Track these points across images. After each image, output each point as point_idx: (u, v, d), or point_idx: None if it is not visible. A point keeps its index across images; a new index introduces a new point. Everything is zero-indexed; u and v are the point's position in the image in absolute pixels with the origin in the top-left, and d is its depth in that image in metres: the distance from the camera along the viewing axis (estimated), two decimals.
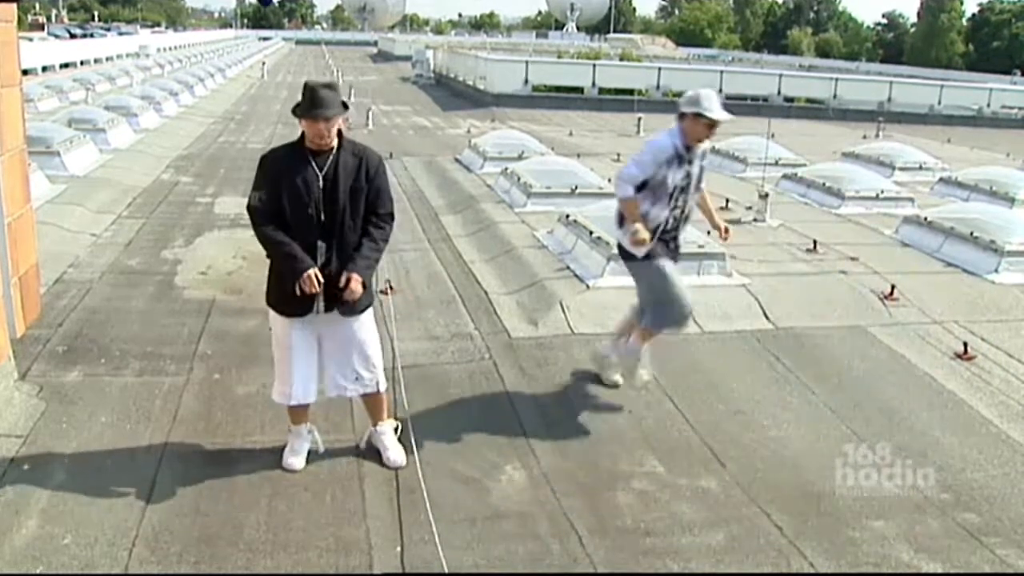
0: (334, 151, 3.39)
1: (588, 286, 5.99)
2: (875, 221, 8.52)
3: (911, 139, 16.72)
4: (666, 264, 4.25)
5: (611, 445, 4.02)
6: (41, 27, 49.60)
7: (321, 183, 3.35)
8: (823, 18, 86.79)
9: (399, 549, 3.18)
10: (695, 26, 77.71)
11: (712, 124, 4.11)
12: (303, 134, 3.40)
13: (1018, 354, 5.21)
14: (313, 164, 3.36)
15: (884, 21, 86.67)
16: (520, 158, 10.68)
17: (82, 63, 29.01)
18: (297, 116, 3.36)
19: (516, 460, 3.85)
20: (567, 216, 7.11)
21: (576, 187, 8.68)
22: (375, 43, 61.11)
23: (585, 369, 4.82)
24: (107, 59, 31.64)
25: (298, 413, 3.69)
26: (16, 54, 5.11)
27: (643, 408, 4.41)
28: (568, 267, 6.40)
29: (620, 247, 4.43)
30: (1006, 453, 4.06)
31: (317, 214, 3.35)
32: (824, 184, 9.65)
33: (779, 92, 25.08)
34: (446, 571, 3.04)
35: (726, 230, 4.52)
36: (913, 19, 78.11)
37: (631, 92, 23.54)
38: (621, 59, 33.75)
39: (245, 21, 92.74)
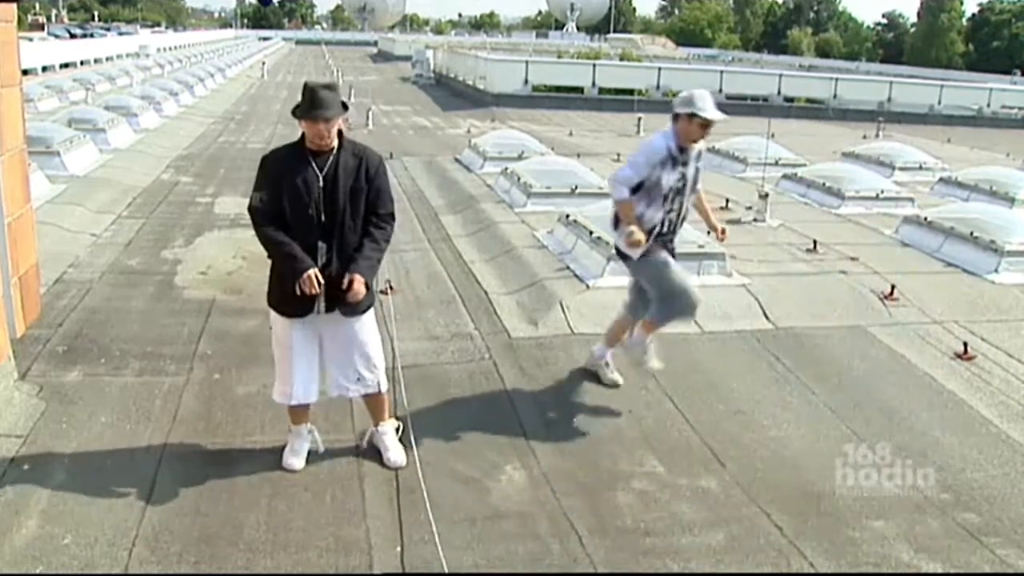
0: (334, 151, 3.39)
1: (588, 286, 5.99)
2: (875, 221, 8.52)
3: (911, 139, 16.72)
4: (666, 256, 4.25)
5: (611, 445, 4.02)
6: (41, 27, 49.60)
7: (321, 183, 3.35)
8: (823, 18, 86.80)
9: (399, 549, 3.18)
10: (695, 26, 77.71)
11: (706, 124, 4.11)
12: (304, 135, 3.40)
13: (1018, 354, 5.21)
14: (313, 165, 3.36)
15: (884, 21, 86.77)
16: (520, 158, 10.69)
17: (82, 63, 29.01)
18: (297, 117, 3.36)
19: (516, 460, 3.85)
20: (567, 216, 7.11)
21: (576, 187, 8.68)
22: (375, 43, 61.12)
23: (585, 369, 4.82)
24: (107, 59, 31.64)
25: (298, 413, 3.69)
26: (16, 54, 5.11)
27: (643, 408, 4.41)
28: (568, 267, 6.41)
29: (617, 248, 4.43)
30: (1006, 453, 4.06)
31: (317, 214, 3.35)
32: (824, 184, 9.65)
33: (779, 92, 25.09)
34: (446, 571, 3.04)
35: (723, 231, 4.51)
36: (913, 19, 78.29)
37: (631, 92, 23.55)
38: (621, 59, 33.75)
39: (245, 21, 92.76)
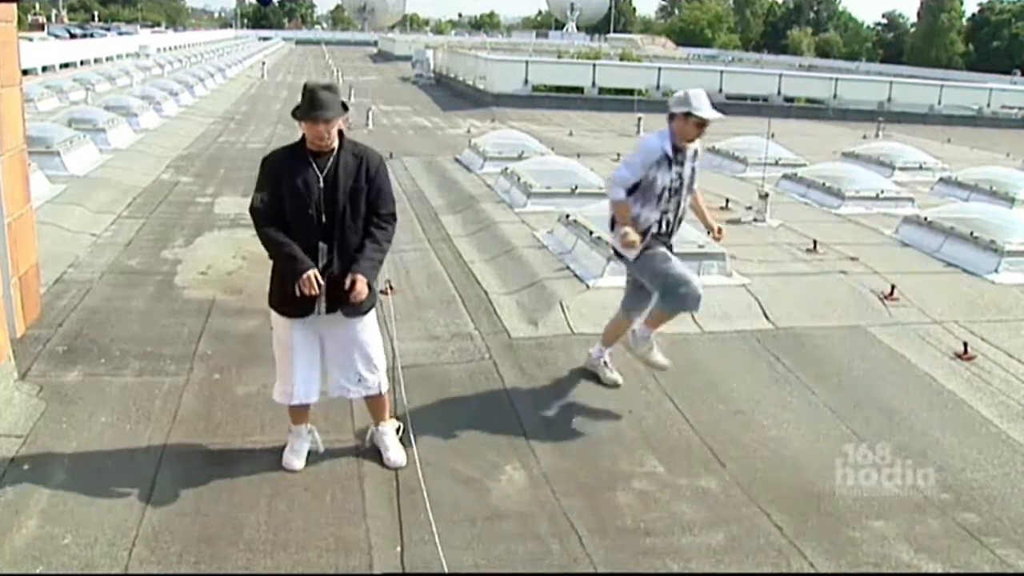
0: (335, 152, 3.39)
1: (588, 286, 5.99)
2: (875, 221, 8.52)
3: (911, 139, 16.72)
4: (664, 250, 4.24)
5: (611, 445, 4.02)
6: (41, 27, 49.59)
7: (321, 184, 3.35)
8: (823, 18, 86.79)
9: (399, 549, 3.18)
10: (695, 26, 77.70)
11: (702, 123, 4.11)
12: (304, 135, 3.40)
13: (1018, 354, 5.21)
14: (314, 165, 3.36)
15: (884, 21, 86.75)
16: (520, 158, 10.68)
17: (82, 63, 29.01)
18: (297, 118, 3.36)
19: (516, 460, 3.85)
20: (567, 216, 7.11)
21: (576, 187, 8.68)
22: (375, 43, 61.11)
23: (585, 369, 4.82)
24: (107, 59, 31.64)
25: (299, 413, 3.69)
26: (16, 54, 5.11)
27: (643, 408, 4.41)
28: (568, 267, 6.41)
29: (615, 248, 4.43)
30: (1006, 453, 4.06)
31: (318, 215, 3.35)
32: (824, 184, 9.65)
33: (779, 92, 25.09)
34: (446, 571, 3.04)
35: (719, 230, 4.52)
36: (913, 19, 78.27)
37: (631, 92, 23.54)
38: (621, 59, 33.75)
39: (245, 21, 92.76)
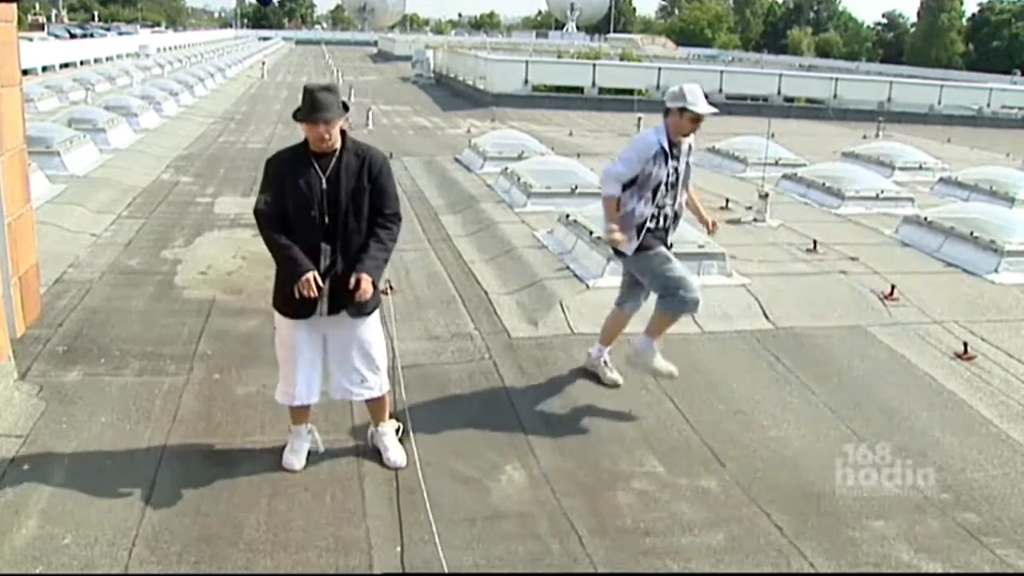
0: (338, 153, 3.39)
1: (588, 286, 5.99)
2: (875, 221, 8.52)
3: (911, 139, 16.72)
4: (662, 249, 4.24)
5: (611, 445, 4.02)
6: (41, 27, 49.60)
7: (324, 185, 3.35)
8: (823, 18, 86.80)
9: (399, 549, 3.18)
10: (695, 26, 77.72)
11: (697, 118, 4.13)
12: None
13: (1018, 354, 5.21)
14: (316, 166, 3.36)
15: (884, 21, 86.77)
16: (520, 158, 10.69)
17: (82, 63, 29.01)
18: (297, 120, 3.36)
19: (516, 460, 3.85)
20: (567, 216, 7.11)
21: (576, 187, 8.68)
22: (375, 43, 61.10)
23: (585, 369, 4.82)
24: (107, 59, 31.64)
25: (299, 413, 3.69)
26: (16, 54, 5.11)
27: (643, 408, 4.41)
28: (568, 267, 6.41)
29: (614, 247, 4.43)
30: (1006, 453, 4.06)
31: (320, 216, 3.35)
32: (824, 184, 9.65)
33: (779, 92, 25.09)
34: (446, 571, 3.04)
35: (713, 224, 4.54)
36: (913, 19, 78.29)
37: (631, 92, 23.51)
38: (621, 59, 33.75)
39: (245, 21, 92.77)
